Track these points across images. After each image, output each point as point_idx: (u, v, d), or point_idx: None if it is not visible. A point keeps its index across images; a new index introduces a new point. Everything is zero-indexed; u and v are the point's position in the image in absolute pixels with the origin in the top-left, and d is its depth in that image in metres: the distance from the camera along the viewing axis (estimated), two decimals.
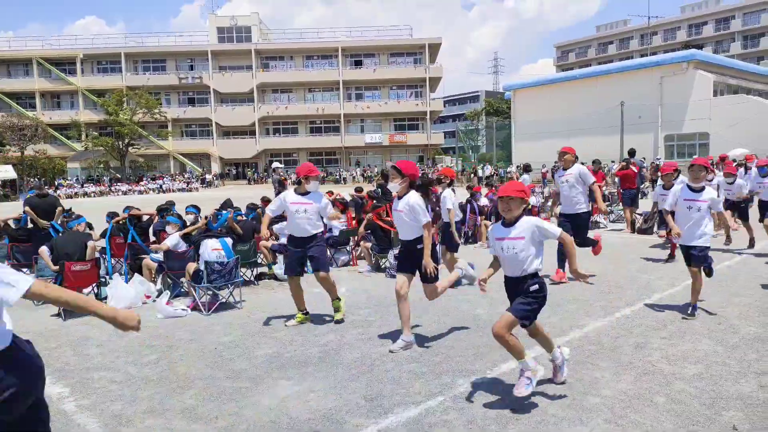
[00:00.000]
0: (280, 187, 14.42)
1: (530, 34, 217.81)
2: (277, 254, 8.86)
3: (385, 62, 55.46)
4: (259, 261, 9.05)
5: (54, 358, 5.07)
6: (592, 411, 3.68)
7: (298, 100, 55.84)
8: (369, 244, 9.07)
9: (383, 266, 8.91)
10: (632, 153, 14.81)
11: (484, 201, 12.48)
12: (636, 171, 13.57)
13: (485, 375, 4.37)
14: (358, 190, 13.38)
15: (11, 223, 9.61)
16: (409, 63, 55.40)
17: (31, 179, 43.23)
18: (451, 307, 6.53)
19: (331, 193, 12.64)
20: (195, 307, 6.64)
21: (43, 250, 6.98)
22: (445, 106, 64.26)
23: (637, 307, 6.24)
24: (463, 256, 10.20)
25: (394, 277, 8.21)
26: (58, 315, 6.47)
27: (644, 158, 29.04)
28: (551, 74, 55.96)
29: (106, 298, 6.82)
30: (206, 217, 8.35)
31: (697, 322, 5.55)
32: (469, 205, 11.77)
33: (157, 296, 7.15)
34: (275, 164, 16.27)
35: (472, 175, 37.91)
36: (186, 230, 7.83)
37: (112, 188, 43.44)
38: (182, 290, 7.34)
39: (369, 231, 9.24)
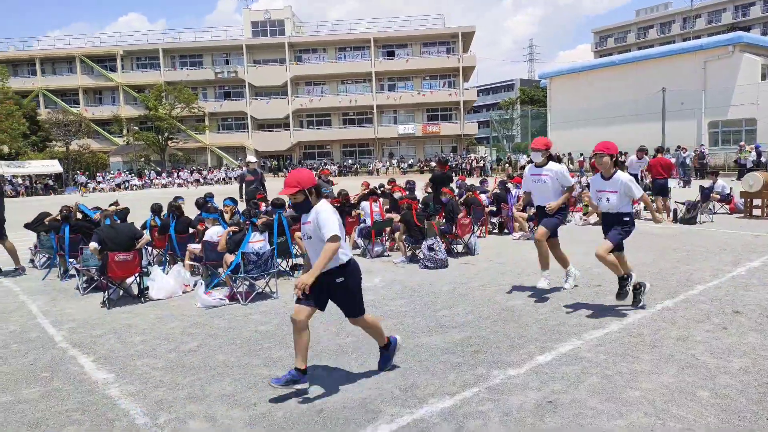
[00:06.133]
0: (242, 183, 12.82)
1: (567, 20, 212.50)
2: None
3: (418, 52, 55.07)
4: (294, 252, 9.16)
5: (99, 345, 5.27)
6: (632, 404, 3.60)
7: (331, 92, 56.06)
8: (403, 236, 9.06)
9: (417, 257, 8.89)
10: (660, 150, 14.37)
11: (519, 191, 12.28)
12: (666, 161, 13.20)
13: (521, 367, 4.32)
14: (391, 181, 13.40)
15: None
16: (442, 53, 54.85)
17: (77, 173, 44.81)
18: (486, 297, 6.48)
19: (367, 183, 12.69)
20: (233, 297, 6.77)
21: (94, 245, 7.16)
22: (478, 96, 63.42)
23: (680, 298, 6.05)
24: (495, 246, 10.10)
25: (427, 267, 8.22)
26: (103, 304, 6.70)
27: (683, 147, 28.09)
28: (589, 61, 54.47)
29: (147, 288, 7.03)
30: (248, 221, 8.36)
31: (743, 316, 5.35)
32: (509, 195, 11.61)
33: (194, 286, 7.33)
34: (250, 158, 15.25)
35: (507, 165, 37.43)
36: (230, 228, 7.85)
37: (153, 181, 44.60)
38: (220, 280, 7.50)
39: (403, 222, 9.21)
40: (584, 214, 12.92)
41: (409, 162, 51.19)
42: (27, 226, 9.67)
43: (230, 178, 44.95)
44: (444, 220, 9.33)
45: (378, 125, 54.94)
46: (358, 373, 4.33)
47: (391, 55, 55.48)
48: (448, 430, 3.37)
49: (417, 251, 8.93)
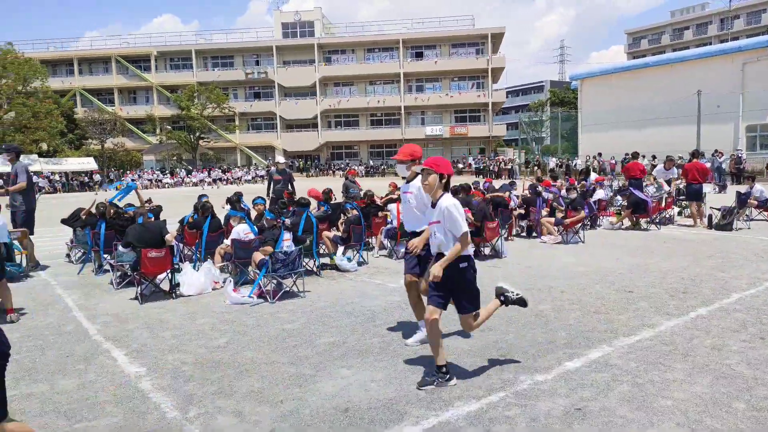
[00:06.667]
0: (270, 182, 13.12)
1: (599, 21, 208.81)
2: (338, 245, 9.00)
3: (447, 53, 54.89)
4: (321, 251, 9.23)
5: (132, 339, 5.40)
6: (664, 414, 3.52)
7: (359, 93, 56.31)
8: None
9: None
10: (695, 154, 13.99)
11: (548, 195, 12.14)
12: (701, 166, 12.88)
13: (549, 372, 4.26)
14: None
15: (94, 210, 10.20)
16: (471, 54, 54.56)
17: (111, 170, 46.01)
18: None
19: (394, 185, 12.70)
20: (260, 295, 6.86)
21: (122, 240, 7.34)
22: (507, 97, 62.88)
23: (714, 307, 5.89)
24: (523, 249, 10.00)
25: None
26: (135, 299, 6.86)
27: (719, 152, 27.31)
28: (621, 62, 53.48)
29: (178, 284, 7.17)
30: (278, 219, 8.47)
31: None
32: (539, 199, 11.47)
33: (223, 283, 7.45)
34: (278, 158, 15.51)
35: (536, 167, 36.98)
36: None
37: (185, 179, 45.45)
38: (248, 278, 7.60)
39: None
40: (615, 221, 12.67)
41: None
42: (64, 221, 9.97)
43: (260, 177, 45.46)
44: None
45: (405, 126, 54.94)
46: (384, 374, 4.33)
47: (419, 56, 55.44)
48: None
49: None
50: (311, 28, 55.61)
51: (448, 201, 4.03)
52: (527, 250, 10.07)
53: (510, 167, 41.85)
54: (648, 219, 12.13)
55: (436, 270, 3.94)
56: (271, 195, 12.47)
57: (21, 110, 40.38)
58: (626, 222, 12.37)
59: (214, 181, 43.85)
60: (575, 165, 35.42)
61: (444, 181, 4.13)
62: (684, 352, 4.60)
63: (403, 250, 9.60)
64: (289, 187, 12.57)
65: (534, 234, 11.47)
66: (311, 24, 55.68)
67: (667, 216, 12.93)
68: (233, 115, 53.07)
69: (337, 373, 4.39)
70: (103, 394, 4.07)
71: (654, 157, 29.12)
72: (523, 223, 11.75)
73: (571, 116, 46.65)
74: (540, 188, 11.89)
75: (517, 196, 12.53)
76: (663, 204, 12.71)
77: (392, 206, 10.50)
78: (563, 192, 12.49)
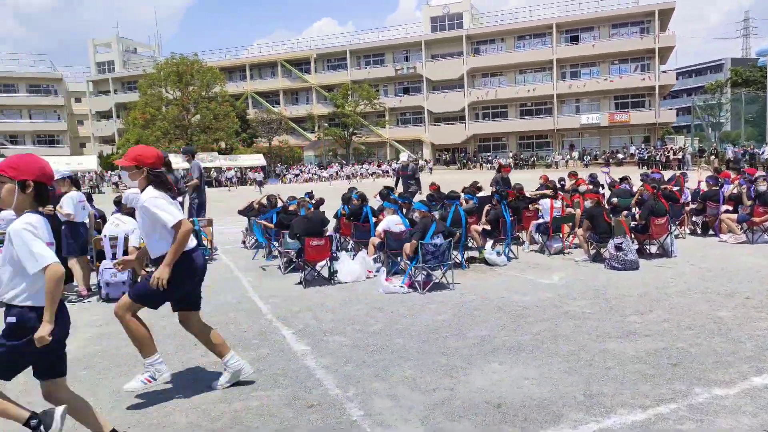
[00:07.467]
0: (398, 178, 13.27)
1: None
2: (487, 239, 8.90)
3: (606, 35, 50.88)
4: (470, 245, 9.20)
5: (297, 319, 5.90)
6: None
7: (508, 82, 54.73)
8: (587, 233, 8.52)
9: (602, 256, 8.30)
10: None
11: (729, 188, 10.71)
12: None
13: (731, 387, 3.79)
14: (572, 174, 12.74)
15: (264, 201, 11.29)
16: (635, 33, 49.89)
17: (277, 165, 50.59)
18: (685, 305, 5.81)
19: (546, 177, 12.20)
20: (411, 285, 7.05)
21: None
22: (677, 79, 56.50)
23: None
24: (697, 248, 8.95)
25: (614, 268, 7.63)
26: (300, 283, 7.49)
27: None
28: None
29: (336, 272, 7.67)
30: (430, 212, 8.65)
31: None
32: (720, 192, 10.21)
33: (377, 272, 7.79)
34: (402, 155, 15.67)
35: (713, 156, 32.86)
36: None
37: (338, 173, 48.31)
38: (399, 268, 7.86)
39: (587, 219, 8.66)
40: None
41: (593, 154, 47.80)
42: (240, 212, 11.22)
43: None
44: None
45: (558, 115, 52.17)
46: (538, 372, 4.21)
47: (575, 40, 52.13)
48: None
49: (602, 250, 8.33)
50: (460, 20, 55.29)
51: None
52: (703, 249, 9.02)
53: (681, 156, 37.65)
54: None
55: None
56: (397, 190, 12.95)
57: (205, 113, 46.18)
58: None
59: (363, 175, 45.90)
60: (762, 153, 30.75)
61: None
62: None
63: (556, 245, 9.21)
64: (414, 183, 12.86)
65: (711, 232, 10.22)
66: (460, 16, 55.36)
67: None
68: (383, 111, 55.00)
69: (488, 367, 4.36)
70: (275, 368, 4.52)
71: None
72: (697, 219, 10.52)
73: (758, 98, 40.48)
74: (721, 180, 10.54)
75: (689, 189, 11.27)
76: None
77: (544, 201, 10.09)
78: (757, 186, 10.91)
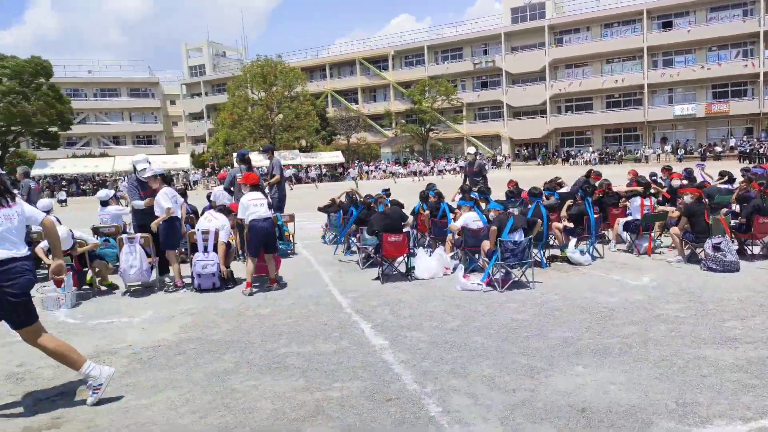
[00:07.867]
0: (465, 175, 13.02)
1: None
2: (570, 237, 8.58)
3: (703, 19, 47.25)
4: (551, 243, 8.92)
5: (375, 314, 6.00)
6: None
7: (593, 73, 52.22)
8: (682, 231, 7.99)
9: (698, 257, 7.76)
10: None
11: None
12: None
13: None
14: (666, 169, 12.02)
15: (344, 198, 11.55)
16: (736, 16, 45.94)
17: (355, 162, 51.48)
18: None
19: (635, 172, 11.57)
20: (489, 283, 6.95)
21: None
22: None
23: None
24: None
25: (711, 270, 7.11)
26: (377, 278, 7.60)
27: None
28: None
29: (413, 268, 7.70)
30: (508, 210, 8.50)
31: None
32: None
33: (454, 269, 7.74)
34: (472, 149, 15.06)
35: None
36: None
37: (416, 170, 48.39)
38: (477, 265, 7.77)
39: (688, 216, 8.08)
40: None
41: (688, 147, 44.66)
42: (320, 209, 11.54)
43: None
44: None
45: (649, 107, 49.14)
46: (625, 377, 4.02)
47: (668, 25, 48.84)
48: None
49: (698, 250, 7.78)
50: (542, 10, 53.44)
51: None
52: None
53: None
54: None
55: None
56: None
57: (287, 112, 47.82)
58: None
59: (440, 171, 45.65)
60: None
61: None
62: None
63: (645, 244, 8.70)
64: (481, 179, 12.51)
65: None
66: (542, 5, 53.51)
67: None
68: (461, 106, 54.36)
69: (571, 370, 4.22)
70: (354, 360, 4.62)
71: None
72: None
73: None
74: None
75: None
76: None
77: (635, 198, 9.57)
78: None
